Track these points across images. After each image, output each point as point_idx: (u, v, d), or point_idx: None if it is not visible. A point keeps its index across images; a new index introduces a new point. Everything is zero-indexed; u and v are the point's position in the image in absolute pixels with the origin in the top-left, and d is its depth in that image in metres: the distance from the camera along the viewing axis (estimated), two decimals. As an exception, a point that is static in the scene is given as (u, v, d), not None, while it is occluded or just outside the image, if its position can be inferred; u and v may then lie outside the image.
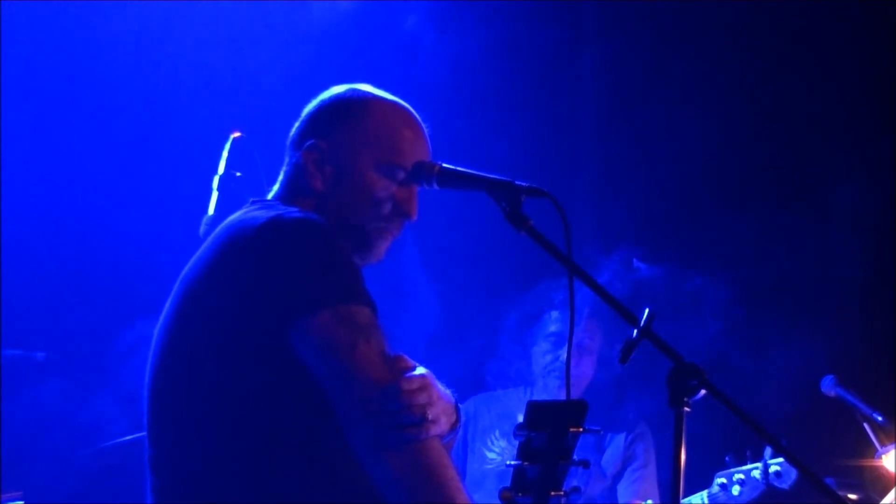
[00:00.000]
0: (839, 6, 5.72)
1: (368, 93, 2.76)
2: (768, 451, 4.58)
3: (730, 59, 5.91)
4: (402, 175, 2.66)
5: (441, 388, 2.45)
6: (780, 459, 4.55)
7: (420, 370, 2.40)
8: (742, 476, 4.62)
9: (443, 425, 2.42)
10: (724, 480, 4.67)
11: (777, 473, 4.57)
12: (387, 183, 2.66)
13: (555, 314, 4.81)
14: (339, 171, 2.67)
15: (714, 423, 4.25)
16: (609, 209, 6.03)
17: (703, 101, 5.90)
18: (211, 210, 4.11)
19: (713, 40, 5.91)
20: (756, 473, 4.60)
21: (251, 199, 2.70)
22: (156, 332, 2.58)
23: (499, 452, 4.79)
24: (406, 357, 2.42)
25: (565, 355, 4.73)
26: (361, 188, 2.65)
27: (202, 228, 3.96)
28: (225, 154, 4.20)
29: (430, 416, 2.35)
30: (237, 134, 4.21)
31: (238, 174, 4.18)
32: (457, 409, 2.56)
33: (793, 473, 4.55)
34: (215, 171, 4.20)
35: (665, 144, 5.89)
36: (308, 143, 2.70)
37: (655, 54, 5.93)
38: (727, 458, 4.67)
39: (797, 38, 5.81)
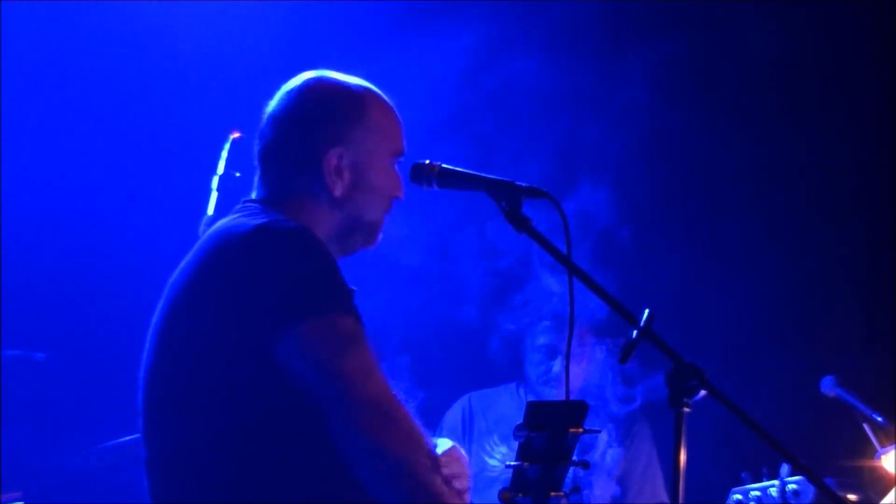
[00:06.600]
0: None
1: (357, 86, 2.76)
2: (785, 468, 4.52)
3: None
4: (397, 161, 2.73)
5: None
6: (798, 478, 4.49)
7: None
8: (758, 493, 4.57)
9: None
10: (740, 497, 4.62)
11: (795, 492, 4.51)
12: (393, 173, 2.71)
13: (545, 324, 4.81)
14: (358, 173, 2.67)
15: (730, 439, 4.24)
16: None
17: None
18: (210, 210, 4.11)
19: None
20: (773, 491, 4.54)
21: (242, 200, 2.70)
22: (148, 335, 2.58)
23: (500, 459, 4.77)
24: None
25: (557, 367, 4.79)
26: (377, 185, 2.69)
27: (202, 229, 3.96)
28: (224, 154, 4.20)
29: None
30: (237, 134, 4.21)
31: (238, 174, 4.18)
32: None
33: (810, 493, 4.48)
34: (215, 171, 4.20)
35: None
36: (322, 151, 2.66)
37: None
38: (743, 475, 4.64)
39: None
